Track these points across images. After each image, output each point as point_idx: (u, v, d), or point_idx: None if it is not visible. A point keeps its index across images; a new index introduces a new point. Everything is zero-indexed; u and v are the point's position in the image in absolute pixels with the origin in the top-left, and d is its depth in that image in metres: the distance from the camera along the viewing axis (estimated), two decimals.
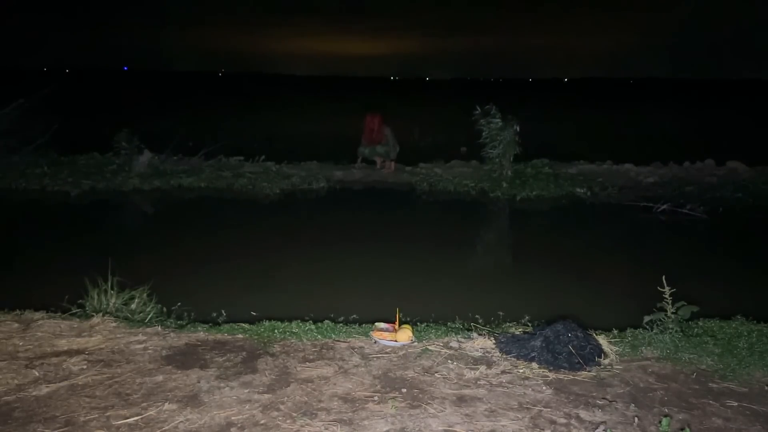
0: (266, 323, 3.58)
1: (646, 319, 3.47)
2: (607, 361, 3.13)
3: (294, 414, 2.56)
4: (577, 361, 3.06)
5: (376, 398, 2.71)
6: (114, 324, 3.54)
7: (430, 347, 3.27)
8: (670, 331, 3.34)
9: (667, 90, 69.52)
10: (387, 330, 3.45)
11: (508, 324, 3.75)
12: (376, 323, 3.56)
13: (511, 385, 2.86)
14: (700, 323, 3.63)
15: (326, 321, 3.67)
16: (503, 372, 3.01)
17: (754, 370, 3.04)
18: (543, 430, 2.47)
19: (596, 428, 2.47)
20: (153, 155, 9.59)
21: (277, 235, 6.77)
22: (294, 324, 3.57)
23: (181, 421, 2.49)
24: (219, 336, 3.42)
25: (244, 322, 3.66)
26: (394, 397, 2.71)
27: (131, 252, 5.67)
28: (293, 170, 9.83)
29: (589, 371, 3.01)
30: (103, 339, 3.33)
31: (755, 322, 3.66)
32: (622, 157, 10.64)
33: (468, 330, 3.58)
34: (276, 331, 3.48)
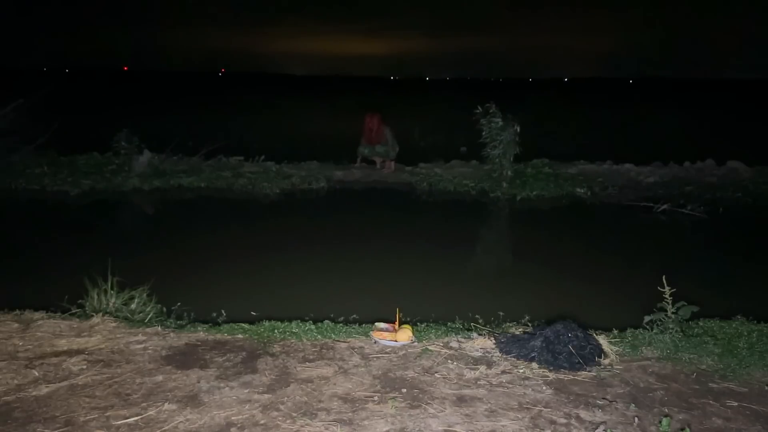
0: (266, 323, 3.58)
1: (647, 319, 3.47)
2: (607, 361, 3.13)
3: (294, 414, 2.56)
4: (577, 361, 3.06)
5: (376, 398, 2.71)
6: (114, 324, 3.54)
7: (430, 347, 3.27)
8: (670, 331, 3.35)
9: (667, 90, 69.52)
10: (387, 330, 3.45)
11: (508, 324, 3.74)
12: (376, 323, 3.56)
13: (511, 385, 2.86)
14: (700, 323, 3.63)
15: (326, 321, 3.67)
16: (503, 372, 3.00)
17: (754, 370, 3.04)
18: (543, 430, 2.47)
19: (596, 428, 2.46)
20: (153, 155, 9.58)
21: (277, 235, 6.77)
22: (294, 324, 3.57)
23: (181, 421, 2.49)
24: (219, 336, 3.42)
25: (244, 322, 3.66)
26: (394, 397, 2.71)
27: (131, 252, 5.66)
28: (293, 170, 9.82)
29: (589, 371, 3.01)
30: (103, 339, 3.33)
31: (755, 322, 3.66)
32: (622, 157, 10.64)
33: (468, 330, 3.58)
34: (276, 331, 3.48)
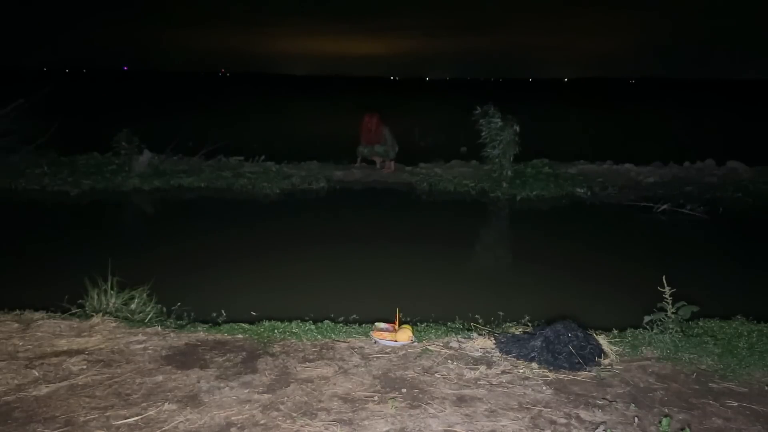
0: (266, 323, 3.58)
1: (646, 319, 3.47)
2: (607, 361, 3.13)
3: (294, 414, 2.55)
4: (577, 361, 3.06)
5: (376, 398, 2.71)
6: (114, 324, 3.54)
7: (430, 347, 3.27)
8: (670, 331, 3.34)
9: (667, 90, 69.53)
10: (387, 330, 3.45)
11: (508, 324, 3.74)
12: (376, 323, 3.56)
13: (511, 385, 2.86)
14: (700, 323, 3.63)
15: (326, 321, 3.67)
16: (503, 372, 3.00)
17: (754, 370, 3.04)
18: (543, 430, 2.47)
19: (596, 428, 2.46)
20: (153, 155, 9.59)
21: (276, 235, 6.77)
22: (294, 324, 3.57)
23: (181, 421, 2.49)
24: (219, 336, 3.42)
25: (244, 322, 3.66)
26: (394, 397, 2.71)
27: (131, 252, 5.66)
28: (293, 170, 9.82)
29: (589, 371, 3.01)
30: (103, 339, 3.33)
31: (755, 322, 3.66)
32: (622, 157, 10.65)
33: (468, 330, 3.58)
34: (276, 331, 3.48)
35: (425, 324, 3.72)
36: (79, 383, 2.82)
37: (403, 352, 3.23)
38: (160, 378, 2.88)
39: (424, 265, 5.74)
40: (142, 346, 3.24)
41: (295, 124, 20.70)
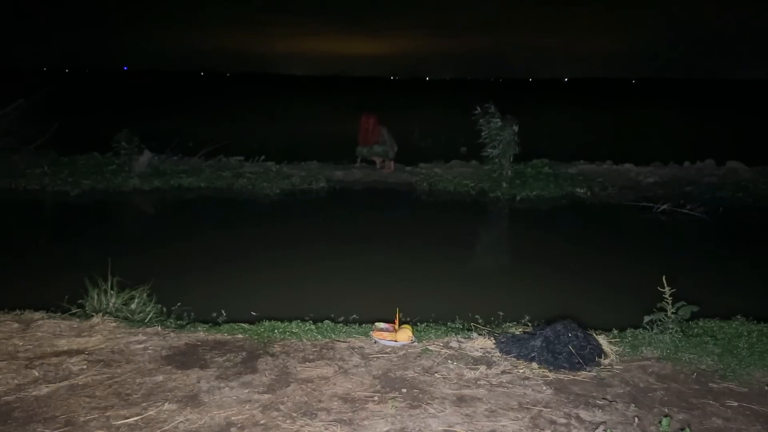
0: (266, 323, 3.58)
1: (646, 319, 3.47)
2: (607, 361, 3.13)
3: (294, 414, 2.56)
4: (577, 361, 3.06)
5: (376, 398, 2.71)
6: (114, 324, 3.54)
7: (430, 347, 3.27)
8: (670, 331, 3.34)
9: (667, 90, 69.53)
10: (387, 330, 3.45)
11: (508, 324, 3.74)
12: (376, 323, 3.56)
13: (511, 385, 2.86)
14: (700, 323, 3.63)
15: (326, 321, 3.67)
16: (503, 372, 3.00)
17: (754, 370, 3.04)
18: (543, 430, 2.47)
19: (596, 428, 2.46)
20: (153, 155, 9.59)
21: (276, 235, 6.77)
22: (294, 324, 3.57)
23: (181, 421, 2.49)
24: (219, 336, 3.42)
25: (244, 322, 3.66)
26: (394, 397, 2.71)
27: (131, 252, 5.66)
28: (293, 170, 9.83)
29: (589, 371, 3.01)
30: (103, 339, 3.33)
31: (755, 322, 3.66)
32: (622, 157, 10.65)
33: (468, 330, 3.58)
34: (276, 331, 3.48)
35: (425, 324, 3.72)
36: (79, 383, 2.82)
37: (403, 352, 3.23)
38: (160, 378, 2.88)
39: (424, 265, 5.74)
40: (142, 346, 3.24)
41: (295, 124, 20.70)
